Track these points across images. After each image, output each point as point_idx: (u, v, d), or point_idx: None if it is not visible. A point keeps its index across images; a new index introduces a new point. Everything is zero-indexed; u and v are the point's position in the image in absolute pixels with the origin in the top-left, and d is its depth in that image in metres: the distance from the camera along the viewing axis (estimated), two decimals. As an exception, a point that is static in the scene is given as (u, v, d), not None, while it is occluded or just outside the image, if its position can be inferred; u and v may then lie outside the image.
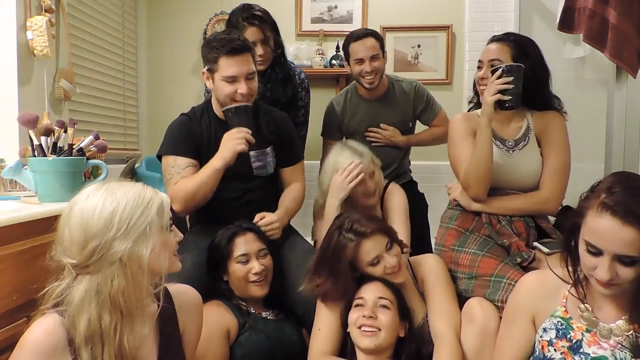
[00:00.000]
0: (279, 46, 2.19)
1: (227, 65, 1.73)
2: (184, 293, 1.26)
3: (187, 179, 1.76)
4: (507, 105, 1.64)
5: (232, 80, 1.74)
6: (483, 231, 1.70)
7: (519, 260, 1.59)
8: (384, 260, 1.51)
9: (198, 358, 1.42)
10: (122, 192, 1.06)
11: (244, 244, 1.64)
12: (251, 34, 2.03)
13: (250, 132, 1.71)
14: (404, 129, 2.42)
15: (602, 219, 1.06)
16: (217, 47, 1.74)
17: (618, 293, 1.12)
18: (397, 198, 1.97)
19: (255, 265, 1.62)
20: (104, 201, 1.04)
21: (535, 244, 1.65)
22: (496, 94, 1.61)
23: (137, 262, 1.03)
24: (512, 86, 1.61)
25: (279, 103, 2.14)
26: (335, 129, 2.44)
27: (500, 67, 1.64)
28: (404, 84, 2.43)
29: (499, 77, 1.62)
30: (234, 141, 1.70)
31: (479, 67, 1.77)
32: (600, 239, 1.06)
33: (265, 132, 1.89)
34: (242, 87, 1.73)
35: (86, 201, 1.05)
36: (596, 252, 1.08)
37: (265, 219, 1.74)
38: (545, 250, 1.59)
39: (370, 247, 1.50)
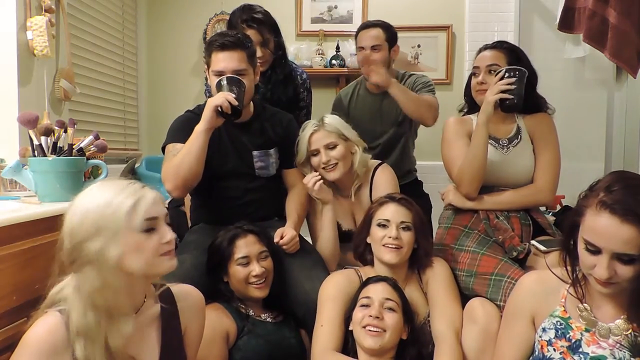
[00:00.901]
0: (279, 48, 2.18)
1: (216, 60, 1.74)
2: (187, 293, 1.27)
3: (173, 158, 1.74)
4: (508, 103, 1.67)
5: (220, 75, 1.74)
6: (481, 227, 1.72)
7: (514, 254, 1.62)
8: (389, 230, 1.57)
9: (197, 362, 1.43)
10: (99, 193, 1.06)
11: (245, 246, 1.63)
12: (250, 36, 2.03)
13: (234, 96, 1.66)
14: (406, 125, 2.40)
15: (601, 217, 1.06)
16: (212, 42, 1.77)
17: (617, 292, 1.12)
18: (383, 183, 1.92)
19: (256, 268, 1.61)
20: (83, 200, 1.06)
21: (533, 242, 1.66)
22: (498, 93, 1.65)
23: (107, 263, 1.02)
24: (514, 87, 1.66)
25: (279, 103, 2.13)
26: None
27: (503, 69, 1.69)
28: (411, 78, 2.40)
29: (502, 79, 1.67)
30: (213, 99, 1.65)
31: (475, 74, 1.82)
32: (599, 238, 1.07)
33: (271, 133, 1.89)
34: None
35: (78, 199, 1.07)
36: (595, 251, 1.08)
37: (287, 237, 1.72)
38: (542, 248, 1.61)
39: (389, 210, 1.61)
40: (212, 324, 1.49)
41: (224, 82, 1.70)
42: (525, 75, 1.68)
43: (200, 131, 1.66)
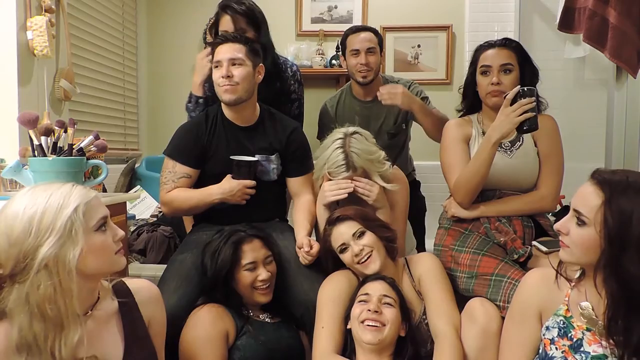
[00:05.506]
0: (263, 46, 2.02)
1: (217, 53, 1.81)
2: (142, 287, 1.26)
3: (181, 194, 1.81)
4: (525, 128, 1.58)
5: (218, 65, 1.79)
6: (482, 230, 1.71)
7: (515, 256, 1.61)
8: (351, 248, 1.57)
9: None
10: (44, 196, 1.03)
11: (251, 251, 1.61)
12: (224, 23, 1.99)
13: (253, 184, 1.79)
14: (397, 131, 2.37)
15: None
16: (215, 38, 1.86)
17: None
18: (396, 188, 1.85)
19: (262, 273, 1.60)
20: (24, 206, 1.02)
21: (534, 242, 1.66)
22: (522, 114, 1.55)
23: (64, 267, 1.00)
24: (534, 108, 1.57)
25: (267, 99, 2.04)
26: (329, 131, 2.36)
27: (518, 88, 1.58)
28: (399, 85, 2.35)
29: (515, 98, 1.58)
30: (235, 196, 1.78)
31: (486, 72, 1.76)
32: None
33: (274, 139, 1.88)
34: (222, 71, 1.76)
35: (9, 207, 1.03)
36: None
37: (315, 249, 1.70)
38: (544, 249, 1.60)
39: (338, 234, 1.60)
40: (212, 323, 1.50)
41: (242, 169, 1.79)
42: (535, 92, 1.61)
43: (213, 201, 1.80)
